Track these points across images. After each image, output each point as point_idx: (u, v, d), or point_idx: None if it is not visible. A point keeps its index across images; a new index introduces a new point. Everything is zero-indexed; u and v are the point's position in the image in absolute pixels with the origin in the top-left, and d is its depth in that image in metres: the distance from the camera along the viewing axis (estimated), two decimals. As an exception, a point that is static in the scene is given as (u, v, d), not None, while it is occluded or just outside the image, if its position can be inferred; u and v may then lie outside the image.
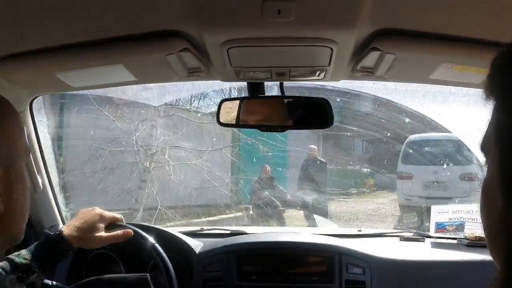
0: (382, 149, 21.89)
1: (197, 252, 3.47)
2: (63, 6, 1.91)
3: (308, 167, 16.73)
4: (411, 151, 18.43)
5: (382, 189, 23.36)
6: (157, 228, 3.50)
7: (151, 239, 2.90)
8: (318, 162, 16.94)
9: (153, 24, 2.11)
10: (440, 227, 3.83)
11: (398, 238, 3.80)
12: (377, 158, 23.09)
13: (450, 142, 17.67)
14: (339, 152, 21.95)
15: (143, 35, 2.18)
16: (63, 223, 3.61)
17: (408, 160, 18.18)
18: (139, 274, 2.96)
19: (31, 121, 3.13)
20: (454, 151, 17.69)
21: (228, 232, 3.89)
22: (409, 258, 3.45)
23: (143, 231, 3.10)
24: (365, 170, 24.82)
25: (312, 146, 17.17)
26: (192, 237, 3.63)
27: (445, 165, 17.65)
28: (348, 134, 21.04)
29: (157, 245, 2.89)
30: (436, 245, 3.65)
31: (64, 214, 3.67)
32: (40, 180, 3.28)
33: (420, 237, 3.77)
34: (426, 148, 18.48)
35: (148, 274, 2.93)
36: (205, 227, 4.01)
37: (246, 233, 3.81)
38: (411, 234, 3.84)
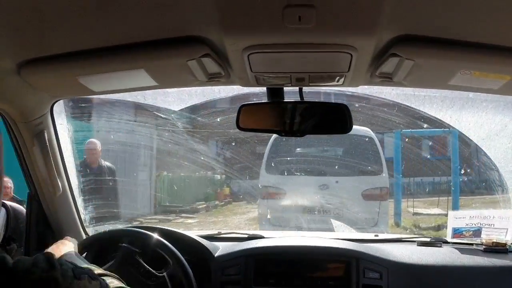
0: (241, 150, 18.31)
1: (215, 255, 3.50)
2: (85, 12, 1.94)
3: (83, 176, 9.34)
4: (281, 154, 12.67)
5: (239, 199, 18.92)
6: (176, 232, 3.54)
7: (155, 235, 3.03)
8: (103, 169, 10.53)
9: (175, 30, 2.13)
10: (457, 232, 3.82)
11: (415, 243, 3.79)
12: (234, 162, 18.55)
13: (352, 139, 12.23)
14: (184, 156, 16.97)
15: (164, 40, 2.21)
16: (82, 225, 3.64)
17: (277, 167, 12.55)
18: (156, 273, 3.09)
19: (51, 124, 3.16)
20: (357, 154, 12.44)
21: (246, 236, 3.90)
22: (426, 263, 3.45)
23: (162, 235, 3.19)
24: (219, 176, 20.11)
25: (92, 140, 10.73)
26: (210, 241, 3.65)
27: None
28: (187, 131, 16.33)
29: (162, 239, 3.03)
30: (453, 251, 3.64)
31: (83, 217, 3.69)
32: (60, 183, 3.30)
33: (437, 242, 3.76)
34: (308, 150, 13.13)
35: (164, 273, 3.12)
36: (222, 231, 4.02)
37: (264, 237, 3.82)
38: (428, 239, 3.83)
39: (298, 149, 13.00)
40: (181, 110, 15.15)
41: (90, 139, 10.61)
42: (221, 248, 3.59)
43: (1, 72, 2.41)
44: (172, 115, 15.21)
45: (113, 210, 10.76)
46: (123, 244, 3.21)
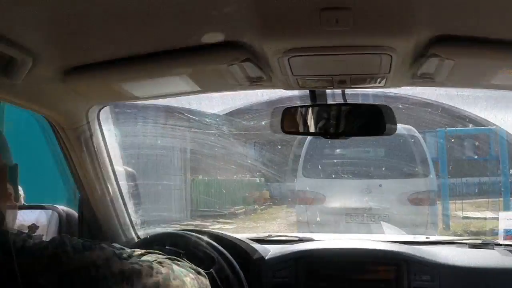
0: (281, 152, 16.67)
1: (266, 258, 3.50)
2: (128, 19, 1.97)
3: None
4: (318, 156, 11.73)
5: (279, 202, 17.58)
6: (226, 234, 3.56)
7: (204, 237, 3.07)
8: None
9: (216, 35, 2.15)
10: (509, 234, 3.76)
11: (467, 245, 3.73)
12: (275, 164, 17.12)
13: (395, 139, 10.87)
14: (223, 158, 15.86)
15: (206, 46, 2.23)
16: (133, 229, 3.68)
17: (314, 170, 11.63)
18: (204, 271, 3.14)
19: (99, 130, 3.22)
20: (401, 155, 11.35)
21: (296, 239, 3.90)
22: (478, 266, 3.40)
23: (212, 238, 3.22)
24: (258, 180, 18.63)
25: None
26: (261, 243, 3.66)
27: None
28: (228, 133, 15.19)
29: (211, 240, 3.08)
30: (505, 253, 3.56)
31: (134, 220, 3.73)
32: (110, 188, 3.35)
33: (489, 244, 3.70)
34: (347, 151, 11.97)
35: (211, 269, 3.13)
36: (273, 234, 4.03)
37: (314, 240, 3.81)
38: (480, 241, 3.77)
39: (337, 150, 12.08)
40: (225, 114, 15.16)
41: None
42: (271, 251, 3.59)
43: (46, 79, 2.46)
44: (217, 118, 14.88)
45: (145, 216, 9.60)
46: (167, 247, 3.24)
